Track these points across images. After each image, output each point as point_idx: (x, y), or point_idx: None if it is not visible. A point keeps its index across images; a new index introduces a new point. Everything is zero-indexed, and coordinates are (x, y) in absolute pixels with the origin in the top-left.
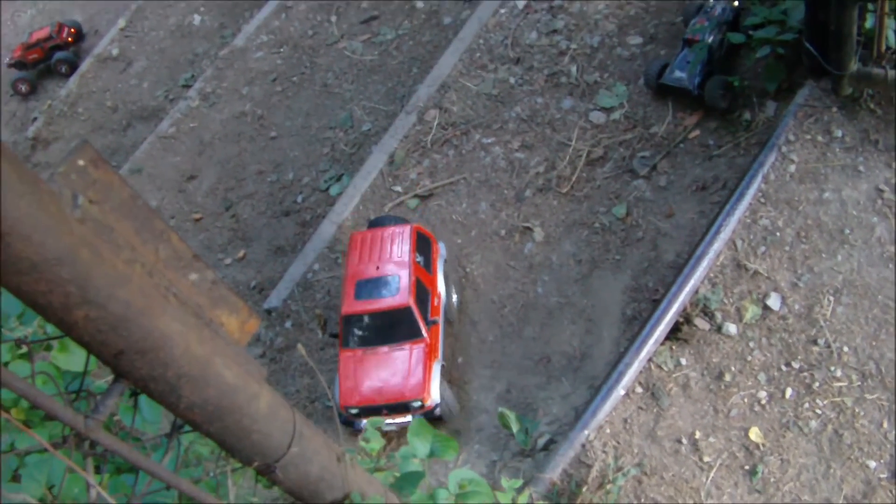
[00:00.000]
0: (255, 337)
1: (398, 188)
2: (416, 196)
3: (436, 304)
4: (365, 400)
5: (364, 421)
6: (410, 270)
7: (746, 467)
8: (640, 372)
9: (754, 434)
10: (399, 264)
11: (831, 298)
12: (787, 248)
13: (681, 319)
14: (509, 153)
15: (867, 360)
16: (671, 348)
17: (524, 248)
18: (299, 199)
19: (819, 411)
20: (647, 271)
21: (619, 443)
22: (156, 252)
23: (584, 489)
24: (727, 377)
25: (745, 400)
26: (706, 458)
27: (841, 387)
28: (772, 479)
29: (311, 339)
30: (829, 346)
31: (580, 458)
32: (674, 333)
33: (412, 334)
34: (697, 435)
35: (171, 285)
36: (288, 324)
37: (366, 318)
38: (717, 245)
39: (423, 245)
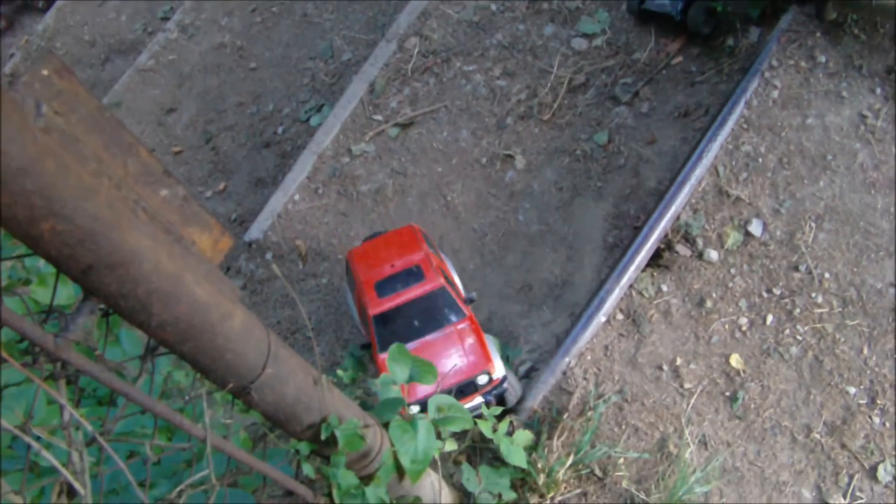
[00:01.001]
0: (235, 269)
1: (378, 117)
2: (396, 125)
3: (458, 285)
4: (426, 393)
5: None
6: (429, 256)
7: (727, 393)
8: (621, 299)
9: (735, 360)
10: (414, 255)
11: (813, 224)
12: (769, 174)
13: (662, 246)
14: (490, 80)
15: (848, 287)
16: (652, 275)
17: (505, 176)
18: (279, 130)
19: (800, 337)
20: (629, 198)
21: (599, 370)
22: (124, 166)
23: (566, 416)
24: (708, 304)
25: (726, 326)
26: (687, 385)
27: (822, 313)
28: (752, 405)
29: (292, 269)
30: (810, 273)
31: (561, 386)
32: (655, 260)
33: (454, 315)
34: (678, 361)
35: (140, 200)
36: (269, 255)
37: (398, 313)
38: (699, 171)
39: (424, 236)
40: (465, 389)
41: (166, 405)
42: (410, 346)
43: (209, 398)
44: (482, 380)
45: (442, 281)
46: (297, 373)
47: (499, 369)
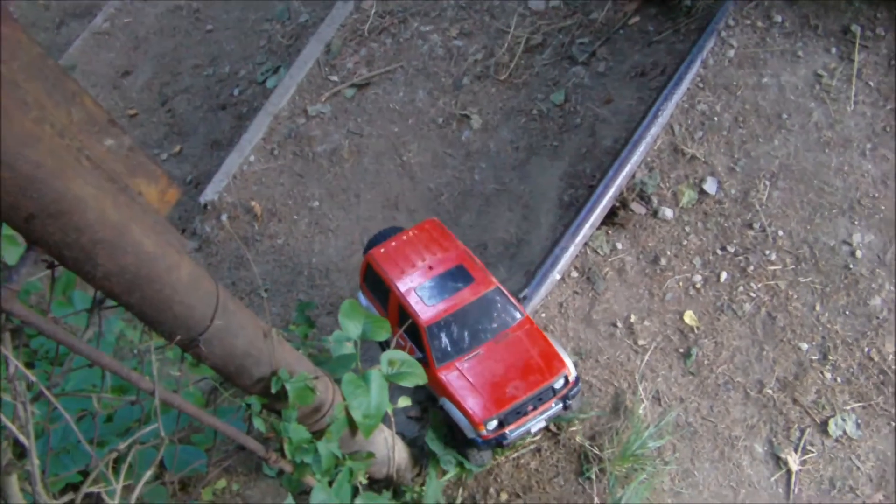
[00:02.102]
0: (190, 231)
1: (335, 78)
2: (352, 85)
3: None
4: (504, 403)
5: (514, 429)
6: (467, 253)
7: (681, 350)
8: (576, 257)
9: (689, 317)
10: (449, 253)
11: (767, 183)
12: (724, 133)
13: (617, 204)
14: (447, 41)
15: (801, 244)
16: (607, 233)
17: (461, 136)
18: (236, 92)
19: (753, 294)
20: (585, 157)
21: (554, 327)
22: (68, 114)
23: None
24: (663, 261)
25: (680, 284)
26: (641, 342)
27: (775, 270)
28: (705, 362)
29: (247, 231)
30: (764, 231)
31: None
32: (610, 218)
33: (510, 317)
34: (633, 319)
35: (84, 149)
36: (224, 216)
37: (452, 320)
38: (655, 129)
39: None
40: (542, 396)
41: (113, 358)
42: (464, 360)
43: (163, 356)
44: (559, 384)
45: (494, 280)
46: (246, 325)
47: (572, 369)
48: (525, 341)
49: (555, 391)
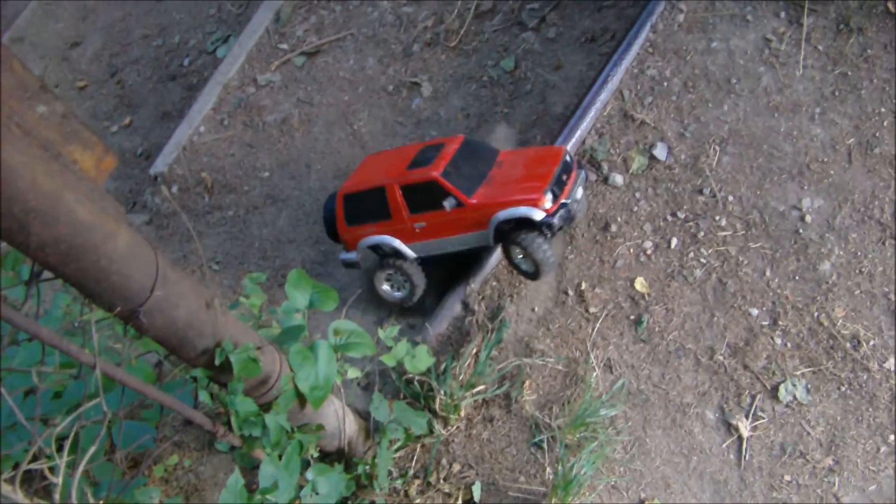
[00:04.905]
0: (141, 204)
1: (284, 46)
2: (302, 53)
3: None
4: (544, 178)
5: (567, 198)
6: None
7: (632, 317)
8: None
9: (640, 284)
10: (409, 151)
11: (717, 148)
12: (674, 99)
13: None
14: (397, 7)
15: (751, 210)
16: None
17: (412, 104)
18: (186, 62)
19: (703, 260)
20: (536, 124)
21: (504, 294)
22: None
23: (469, 340)
24: (613, 228)
25: (631, 250)
26: (592, 309)
27: (725, 236)
28: (657, 329)
29: (198, 202)
30: (714, 196)
31: (465, 310)
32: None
33: (493, 149)
34: (583, 286)
35: (13, 115)
36: (174, 188)
37: (458, 160)
38: (604, 95)
39: None
40: (565, 168)
41: (51, 330)
42: (491, 176)
43: (112, 332)
44: (569, 157)
45: (460, 136)
46: (188, 295)
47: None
48: (519, 153)
49: (570, 162)
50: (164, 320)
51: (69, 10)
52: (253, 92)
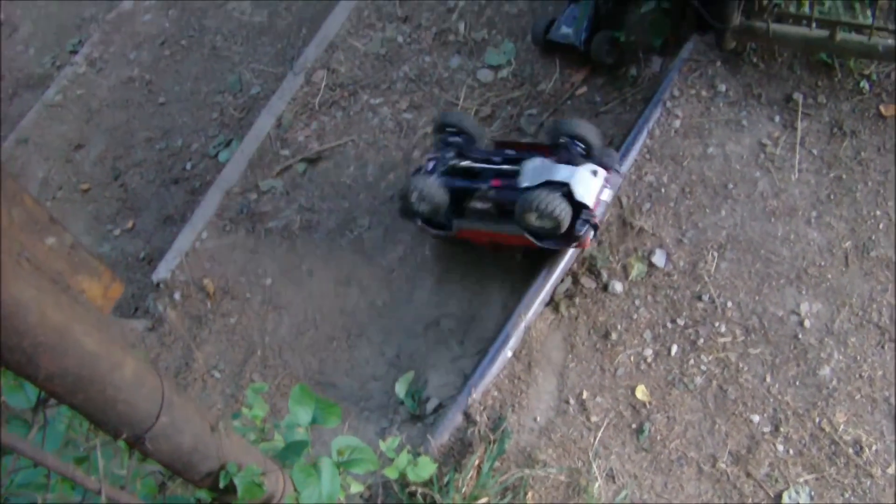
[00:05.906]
0: (143, 309)
1: (286, 152)
2: (304, 159)
3: None
4: None
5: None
6: None
7: (633, 426)
8: (527, 332)
9: (641, 392)
10: None
11: (715, 254)
12: (671, 205)
13: (567, 282)
14: (397, 114)
15: (750, 315)
16: (557, 309)
17: None
18: (188, 166)
19: (704, 367)
20: None
21: (507, 403)
22: (9, 215)
23: (471, 452)
24: (613, 336)
25: (632, 358)
26: (593, 418)
27: (725, 342)
28: (658, 437)
29: (200, 309)
30: (713, 302)
31: (467, 422)
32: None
33: None
34: (584, 395)
35: (23, 250)
36: (177, 295)
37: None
38: None
39: None
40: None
41: (57, 458)
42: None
43: (114, 444)
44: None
45: None
46: (193, 420)
47: None
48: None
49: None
50: (170, 445)
51: (74, 112)
52: (255, 198)
